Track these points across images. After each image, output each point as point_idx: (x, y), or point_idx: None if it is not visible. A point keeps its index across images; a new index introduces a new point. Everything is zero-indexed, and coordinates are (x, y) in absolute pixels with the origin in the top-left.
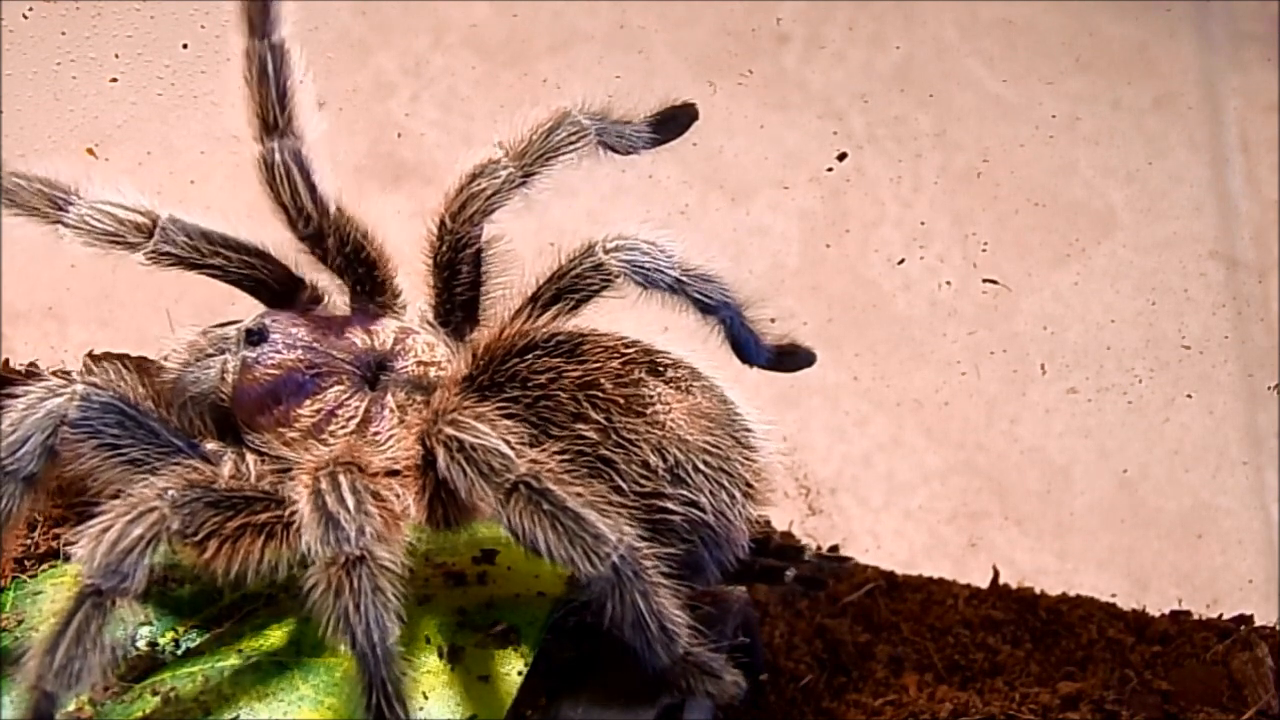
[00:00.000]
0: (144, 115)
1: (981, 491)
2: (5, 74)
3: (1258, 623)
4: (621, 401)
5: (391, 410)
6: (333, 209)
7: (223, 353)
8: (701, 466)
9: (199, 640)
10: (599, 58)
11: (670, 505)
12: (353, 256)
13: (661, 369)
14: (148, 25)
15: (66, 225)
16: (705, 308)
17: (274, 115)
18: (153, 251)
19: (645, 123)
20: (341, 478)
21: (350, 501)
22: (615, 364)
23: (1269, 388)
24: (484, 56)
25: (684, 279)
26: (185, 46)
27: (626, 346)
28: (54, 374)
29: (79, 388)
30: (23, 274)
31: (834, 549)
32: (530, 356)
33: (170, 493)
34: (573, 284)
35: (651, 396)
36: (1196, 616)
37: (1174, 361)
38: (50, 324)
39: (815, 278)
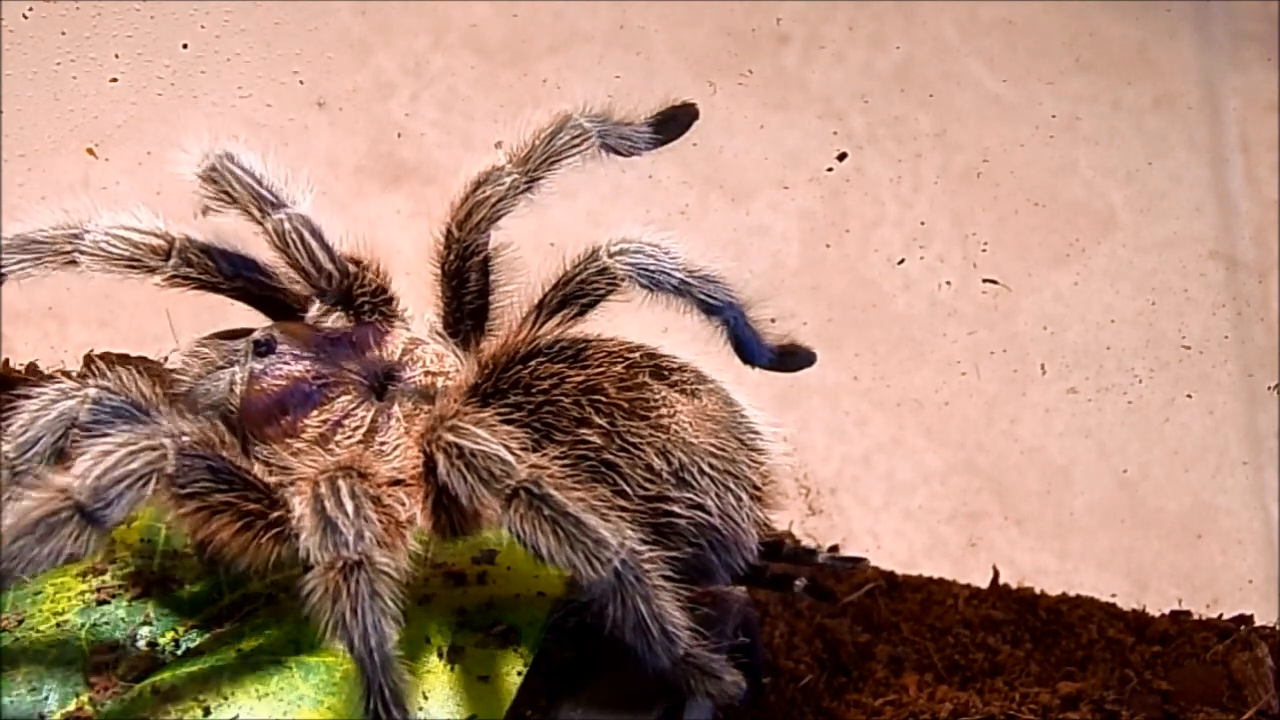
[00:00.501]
0: (144, 115)
1: (981, 491)
2: (5, 74)
3: (1258, 623)
4: (625, 405)
5: (398, 420)
6: (350, 266)
7: (232, 365)
8: (707, 469)
9: (199, 640)
10: (599, 58)
11: (676, 508)
12: (367, 294)
13: (666, 373)
14: (148, 25)
15: (83, 254)
16: (709, 309)
17: (269, 196)
18: (171, 274)
19: (646, 123)
20: (341, 483)
21: (349, 506)
22: (619, 369)
23: (1269, 388)
24: (484, 56)
25: (689, 280)
26: (185, 46)
27: (630, 351)
28: (67, 376)
29: (91, 391)
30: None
31: (834, 549)
32: (533, 363)
33: (184, 438)
34: (579, 289)
35: (656, 400)
36: (1196, 616)
37: (1174, 361)
38: (50, 324)
39: (815, 278)
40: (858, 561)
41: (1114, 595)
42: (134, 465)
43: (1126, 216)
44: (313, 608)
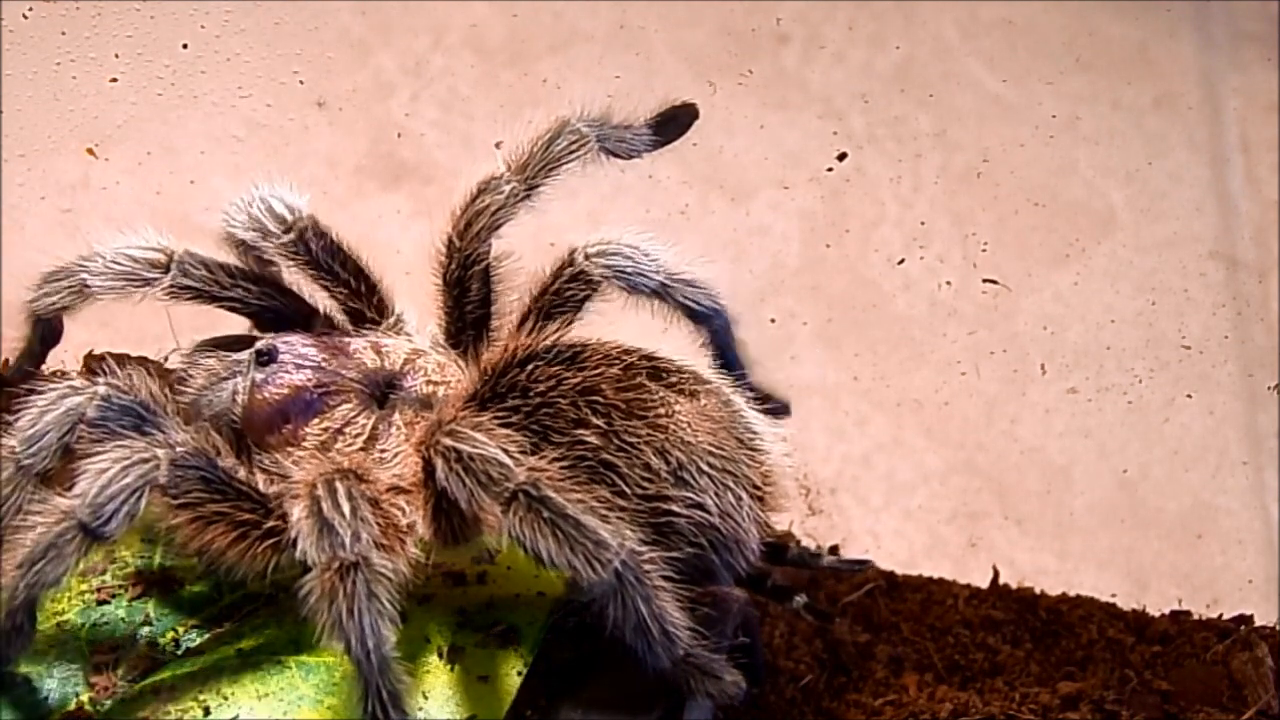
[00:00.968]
0: (144, 115)
1: (981, 491)
2: (5, 74)
3: (1258, 623)
4: (622, 406)
5: (398, 428)
6: (353, 280)
7: (235, 375)
8: (705, 468)
9: (199, 640)
10: (599, 58)
11: (675, 507)
12: (371, 306)
13: (663, 374)
14: (148, 25)
15: (91, 285)
16: (693, 314)
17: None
18: (171, 286)
19: (646, 125)
20: (339, 484)
21: (346, 507)
22: (615, 370)
23: (1269, 388)
24: (484, 56)
25: (669, 283)
26: (185, 46)
27: (627, 353)
28: (80, 374)
29: (101, 389)
30: (23, 274)
31: (834, 549)
32: (530, 366)
33: (178, 448)
34: (557, 298)
35: (653, 401)
36: (1196, 616)
37: (1174, 361)
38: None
39: (815, 278)
40: (863, 564)
41: (1114, 595)
42: (127, 480)
43: (1126, 216)
44: (310, 609)
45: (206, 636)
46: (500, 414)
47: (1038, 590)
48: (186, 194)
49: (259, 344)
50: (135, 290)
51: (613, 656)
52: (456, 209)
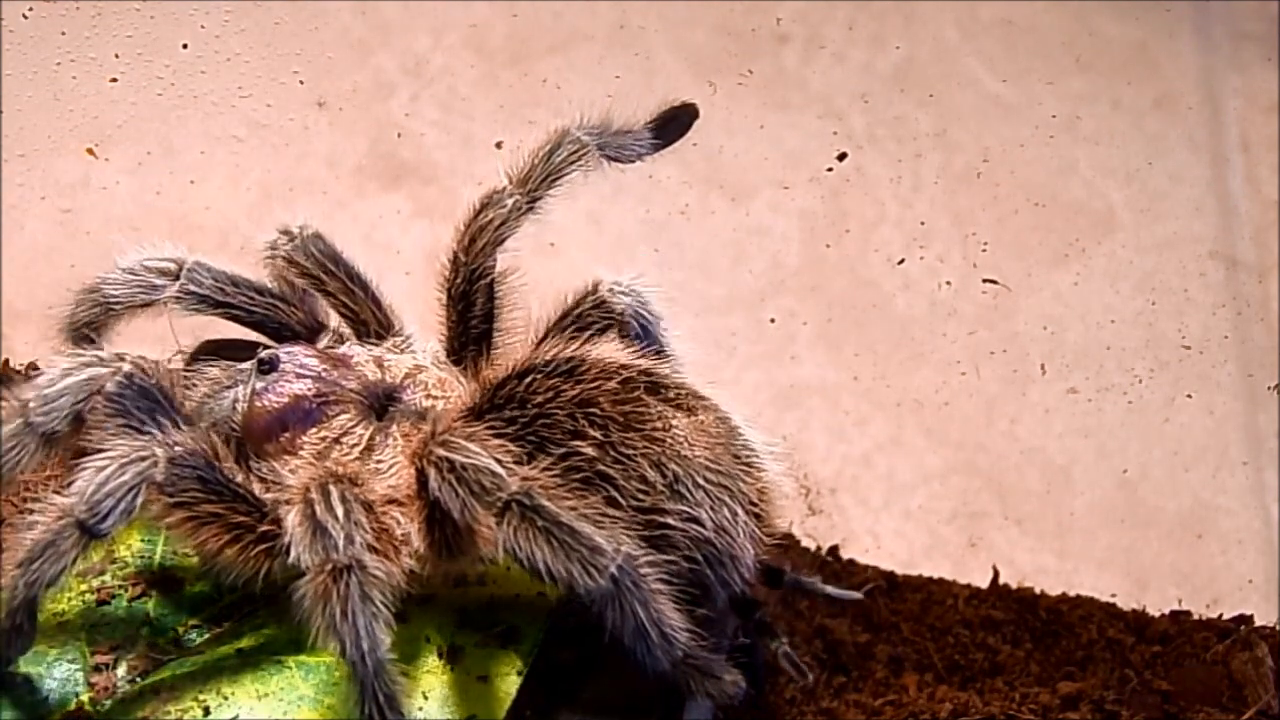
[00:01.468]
0: (144, 115)
1: (981, 491)
2: (5, 74)
3: (1258, 623)
4: (620, 418)
5: (395, 440)
6: (359, 291)
7: (238, 384)
8: (702, 482)
9: (199, 640)
10: (599, 58)
11: (670, 520)
12: (374, 320)
13: (661, 389)
14: (148, 25)
15: (108, 297)
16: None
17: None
18: (179, 292)
19: (646, 128)
20: (332, 488)
21: (339, 510)
22: (614, 384)
23: (1269, 388)
24: (484, 56)
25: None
26: (185, 46)
27: (625, 368)
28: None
29: (126, 366)
30: (23, 274)
31: (834, 549)
32: (529, 378)
33: (177, 448)
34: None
35: (651, 414)
36: (1196, 616)
37: (1174, 361)
38: (50, 324)
39: (815, 278)
40: (856, 598)
41: (1114, 595)
42: (125, 477)
43: (1126, 216)
44: (304, 612)
45: (206, 636)
46: (496, 424)
47: (1038, 590)
48: (186, 194)
49: (262, 353)
50: (147, 298)
51: (612, 657)
52: (460, 224)
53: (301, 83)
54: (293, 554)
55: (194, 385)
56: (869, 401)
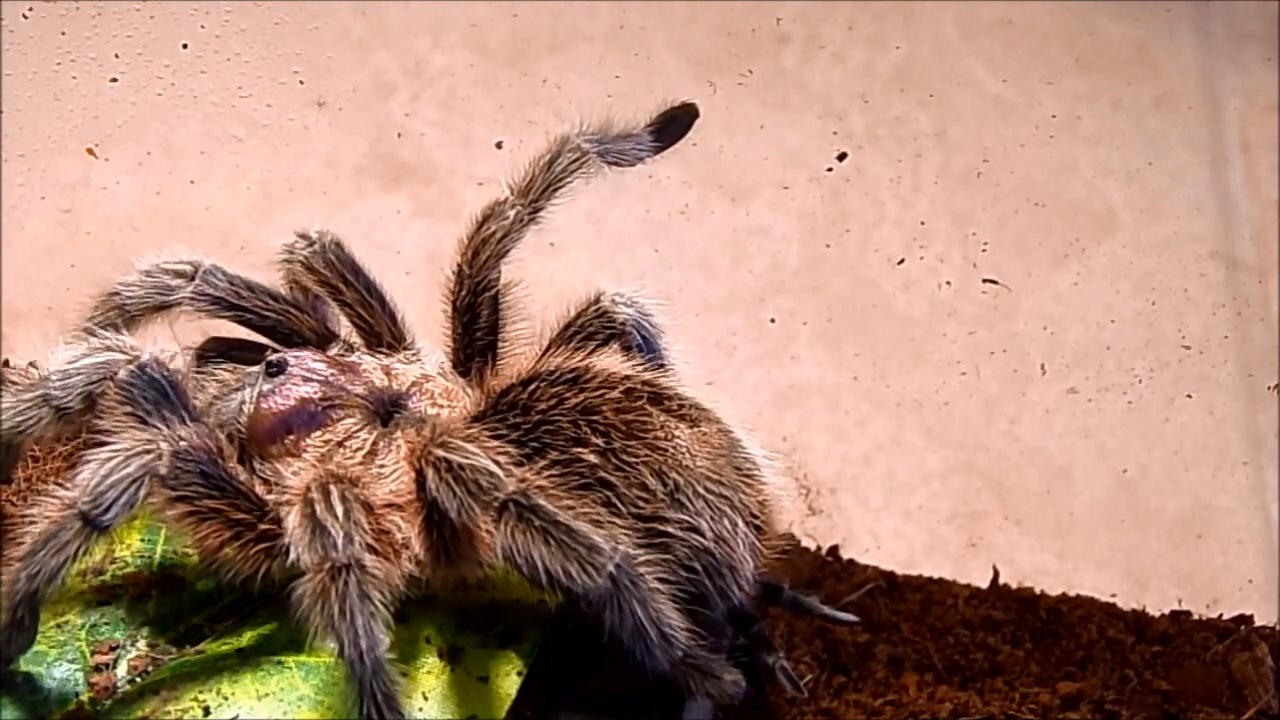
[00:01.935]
0: (144, 115)
1: (981, 491)
2: (5, 74)
3: (1258, 623)
4: (622, 426)
5: (399, 445)
6: (370, 299)
7: (245, 387)
8: (702, 492)
9: (199, 640)
10: (599, 58)
11: (670, 529)
12: (385, 330)
13: (664, 399)
14: (148, 25)
15: (125, 299)
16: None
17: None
18: (193, 294)
19: (646, 131)
20: (332, 488)
21: (339, 509)
22: (617, 393)
23: (1269, 388)
24: (484, 56)
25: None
26: (185, 46)
27: (629, 378)
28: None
29: (145, 357)
30: (23, 274)
31: (834, 549)
32: (532, 386)
33: (181, 442)
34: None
35: (653, 424)
36: (1196, 616)
37: (1174, 361)
38: (50, 324)
39: (815, 278)
40: (853, 621)
41: (1114, 595)
42: (129, 469)
43: (1126, 216)
44: (303, 611)
45: (206, 636)
46: (498, 429)
47: (1038, 590)
48: (186, 194)
49: (270, 356)
50: (162, 299)
51: (612, 657)
52: (463, 236)
53: (301, 83)
54: (292, 553)
55: (204, 386)
56: (869, 401)
